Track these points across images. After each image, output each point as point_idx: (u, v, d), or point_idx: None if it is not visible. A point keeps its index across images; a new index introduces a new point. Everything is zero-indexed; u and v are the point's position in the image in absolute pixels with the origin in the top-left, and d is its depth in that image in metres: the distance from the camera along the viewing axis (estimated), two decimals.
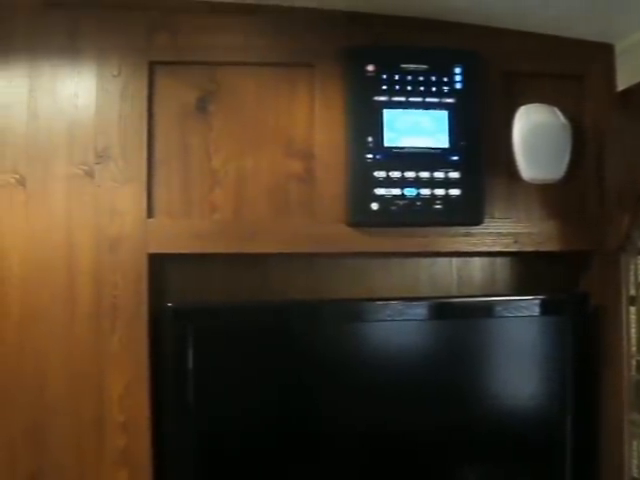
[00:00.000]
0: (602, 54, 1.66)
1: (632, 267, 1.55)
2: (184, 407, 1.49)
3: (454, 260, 1.73)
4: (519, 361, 1.64)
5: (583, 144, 1.64)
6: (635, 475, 1.52)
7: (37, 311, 1.46)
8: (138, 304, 1.48)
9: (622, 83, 1.62)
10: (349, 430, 1.57)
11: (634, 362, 1.55)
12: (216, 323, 1.51)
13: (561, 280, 1.72)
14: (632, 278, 1.56)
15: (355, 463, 1.59)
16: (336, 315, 1.57)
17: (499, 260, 1.76)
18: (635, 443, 1.53)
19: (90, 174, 1.48)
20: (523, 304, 1.62)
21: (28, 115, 1.47)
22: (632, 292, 1.54)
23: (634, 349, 1.54)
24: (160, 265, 1.55)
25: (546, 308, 1.63)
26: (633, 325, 1.55)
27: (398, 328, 1.57)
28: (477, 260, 1.75)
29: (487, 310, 1.62)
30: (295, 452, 1.56)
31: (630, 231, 1.53)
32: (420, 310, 1.59)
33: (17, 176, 1.46)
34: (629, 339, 1.55)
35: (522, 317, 1.62)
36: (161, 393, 1.49)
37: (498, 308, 1.62)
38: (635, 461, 1.53)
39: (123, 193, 1.48)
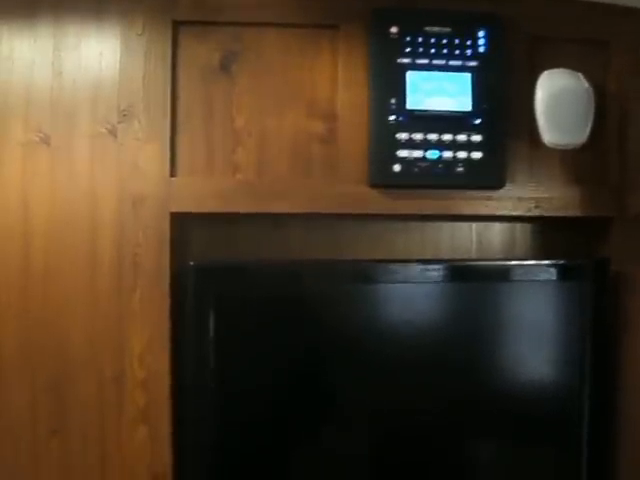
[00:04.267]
0: (629, 19, 1.81)
1: None
2: (204, 365, 1.67)
3: (474, 225, 1.91)
4: (537, 327, 1.81)
5: (606, 110, 1.80)
6: None
7: (60, 268, 1.64)
8: (160, 262, 1.65)
9: None
10: (366, 392, 1.76)
11: None
12: (237, 282, 1.68)
13: (581, 246, 1.89)
14: None
15: (370, 428, 1.78)
16: (356, 276, 1.74)
17: (519, 226, 1.93)
18: None
19: (113, 133, 1.64)
20: (542, 269, 1.80)
21: (53, 74, 1.64)
22: None
23: None
24: (182, 224, 1.71)
25: (565, 273, 1.80)
26: None
27: (417, 290, 1.75)
28: (497, 225, 1.93)
29: (506, 274, 1.79)
30: (311, 409, 1.75)
31: None
32: (439, 272, 1.76)
33: (41, 135, 1.63)
34: None
35: (541, 282, 1.79)
36: (181, 351, 1.67)
37: (517, 272, 1.80)
38: None
39: (146, 152, 1.65)
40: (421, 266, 1.75)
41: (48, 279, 1.64)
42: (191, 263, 1.65)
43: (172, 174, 1.66)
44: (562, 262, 1.81)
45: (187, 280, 1.65)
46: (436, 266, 1.76)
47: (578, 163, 1.81)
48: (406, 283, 1.74)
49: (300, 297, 1.72)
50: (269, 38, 1.70)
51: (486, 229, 1.93)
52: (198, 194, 1.67)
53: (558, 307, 1.82)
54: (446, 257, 1.89)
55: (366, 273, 1.75)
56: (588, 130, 1.77)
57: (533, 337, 1.82)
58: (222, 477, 1.72)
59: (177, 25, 1.66)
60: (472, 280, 1.78)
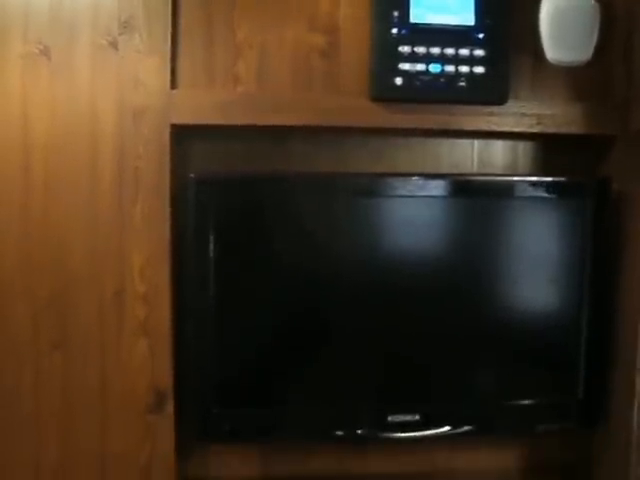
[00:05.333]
0: None
1: None
2: (204, 279, 1.73)
3: (476, 142, 1.95)
4: (537, 244, 1.86)
5: (612, 26, 1.82)
6: None
7: (61, 180, 1.69)
8: (160, 175, 1.70)
9: None
10: (365, 306, 1.82)
11: None
12: (237, 194, 1.73)
13: (583, 165, 1.93)
14: None
15: (368, 346, 1.85)
16: (356, 189, 1.79)
17: (521, 144, 1.97)
18: None
19: (114, 45, 1.67)
20: (543, 186, 1.84)
21: None
22: None
23: None
24: (183, 138, 1.76)
25: (566, 191, 1.85)
26: None
27: (418, 205, 1.80)
28: (499, 143, 1.96)
29: (506, 190, 1.84)
30: (310, 326, 1.83)
31: None
32: (439, 186, 1.81)
33: (41, 47, 1.66)
34: None
35: (542, 199, 1.83)
36: (182, 265, 1.73)
37: (518, 188, 1.84)
38: None
39: (147, 64, 1.68)
40: (422, 180, 1.80)
41: (48, 193, 1.69)
42: (192, 175, 1.70)
43: (173, 86, 1.69)
44: (563, 179, 1.86)
45: (188, 193, 1.70)
46: (437, 180, 1.82)
47: (582, 80, 1.84)
48: (406, 197, 1.79)
49: (300, 210, 1.77)
50: None
51: (487, 147, 1.97)
52: (198, 106, 1.70)
53: (558, 225, 1.87)
54: (447, 172, 1.92)
55: (367, 186, 1.80)
56: (593, 47, 1.80)
57: (532, 255, 1.87)
58: (222, 391, 1.79)
59: None
60: (472, 195, 1.82)
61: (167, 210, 1.71)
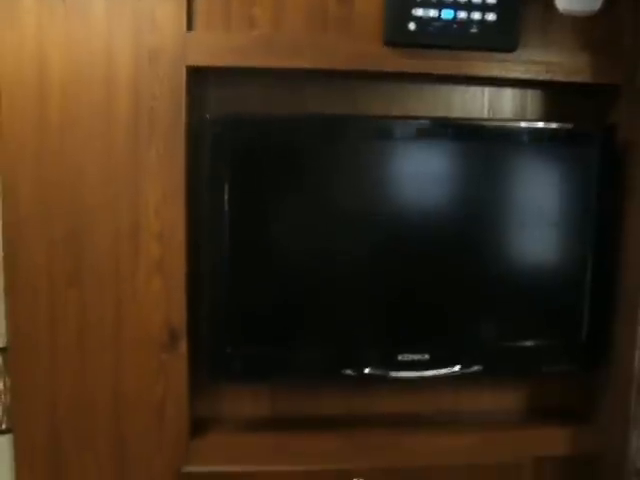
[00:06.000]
0: None
1: None
2: (219, 219, 1.79)
3: (486, 90, 2.01)
4: (544, 190, 1.94)
5: None
6: None
7: (77, 119, 1.74)
8: (176, 115, 1.75)
9: None
10: (377, 249, 1.91)
11: None
12: (253, 136, 1.79)
13: (591, 114, 2.00)
14: None
15: (381, 288, 1.93)
16: (370, 131, 1.87)
17: (530, 92, 2.03)
18: None
19: None
20: (551, 132, 1.91)
21: None
22: None
23: None
24: (199, 80, 1.81)
25: (573, 138, 1.92)
26: None
27: (429, 148, 1.88)
28: (509, 91, 2.02)
29: (515, 135, 1.91)
30: (323, 265, 1.90)
31: None
32: (450, 130, 1.89)
33: None
34: None
35: (549, 146, 1.92)
36: (197, 204, 1.79)
37: (525, 134, 1.92)
38: None
39: (163, 5, 1.73)
40: (433, 123, 1.89)
41: (64, 132, 1.74)
42: (207, 116, 1.76)
43: (189, 28, 1.74)
44: (570, 126, 1.92)
45: (203, 133, 1.76)
46: (448, 124, 1.91)
47: (591, 30, 1.90)
48: (417, 140, 1.87)
49: (314, 151, 1.84)
50: None
51: (498, 94, 2.03)
52: (214, 48, 1.75)
53: (565, 172, 1.95)
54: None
55: (380, 128, 1.87)
56: None
57: (539, 200, 1.95)
58: (234, 331, 1.87)
59: None
60: (482, 139, 1.89)
61: (182, 150, 1.76)
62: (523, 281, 1.96)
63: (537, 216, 1.94)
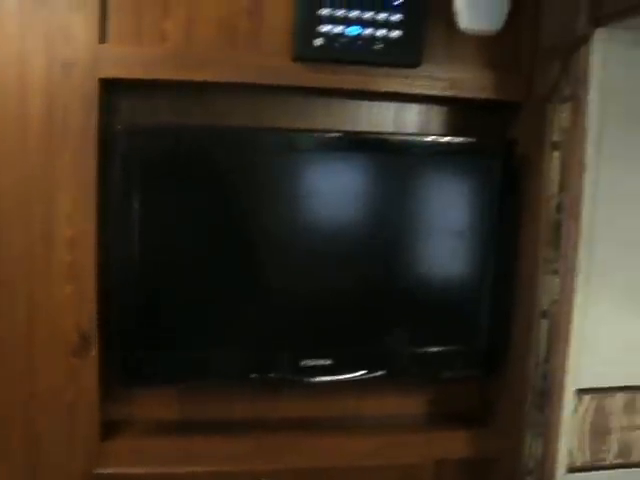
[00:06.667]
0: None
1: (557, 115, 2.01)
2: (129, 225, 1.86)
3: (392, 105, 2.11)
4: (447, 202, 2.06)
5: None
6: (545, 308, 2.06)
7: None
8: (88, 126, 1.81)
9: None
10: (282, 258, 1.99)
11: (554, 203, 2.00)
12: (162, 145, 1.87)
13: (493, 127, 2.12)
14: (557, 125, 2.00)
15: (286, 294, 2.01)
16: (276, 143, 1.95)
17: (435, 107, 2.14)
18: (547, 278, 2.04)
19: None
20: (454, 146, 2.03)
21: None
22: (556, 138, 2.02)
23: (554, 191, 2.02)
24: (111, 91, 1.87)
25: (475, 152, 2.04)
26: (555, 169, 2.02)
27: (335, 161, 1.98)
28: (414, 106, 2.13)
29: (419, 149, 2.02)
30: (230, 272, 1.98)
31: (558, 81, 1.95)
32: (356, 143, 2.00)
33: None
34: (550, 182, 2.01)
35: (452, 159, 2.03)
36: (108, 212, 1.86)
37: (429, 148, 2.02)
38: (546, 296, 2.06)
39: (76, 18, 1.78)
40: (339, 137, 2.00)
41: None
42: (118, 127, 1.83)
43: (101, 40, 1.80)
44: (472, 141, 2.05)
45: (115, 143, 1.83)
46: (355, 137, 2.01)
47: (493, 47, 2.01)
48: (323, 154, 1.98)
49: (223, 162, 1.93)
50: None
51: (403, 109, 2.13)
52: (126, 60, 1.81)
53: (467, 185, 2.07)
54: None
55: (288, 141, 1.97)
56: (504, 16, 1.95)
57: (442, 211, 2.08)
58: (144, 336, 1.95)
59: None
60: (387, 153, 2.00)
61: (93, 159, 1.83)
62: (426, 288, 2.07)
63: (440, 226, 2.06)
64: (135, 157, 1.83)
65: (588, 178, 1.83)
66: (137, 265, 1.87)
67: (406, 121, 2.14)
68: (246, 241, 1.96)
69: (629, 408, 1.96)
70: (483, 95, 2.01)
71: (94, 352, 1.88)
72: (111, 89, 1.86)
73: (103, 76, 1.80)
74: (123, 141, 1.83)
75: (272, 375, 1.97)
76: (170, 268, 1.92)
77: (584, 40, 1.79)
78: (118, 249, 1.88)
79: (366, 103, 2.10)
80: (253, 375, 1.97)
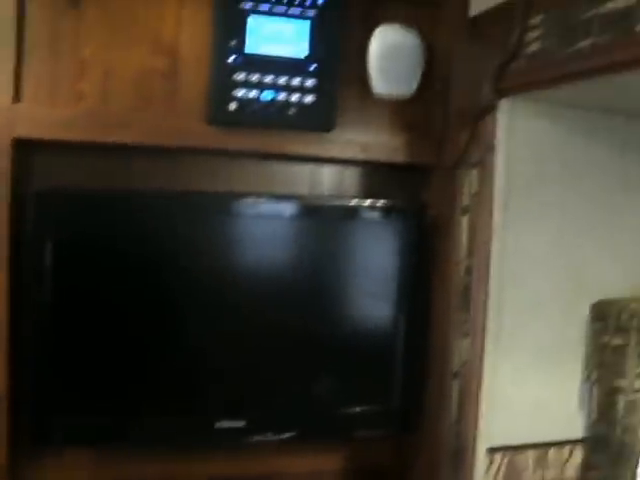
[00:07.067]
0: None
1: (467, 180, 2.11)
2: (43, 287, 1.89)
3: (307, 166, 2.17)
4: (360, 264, 2.11)
5: (434, 65, 2.07)
6: (456, 369, 2.12)
7: None
8: (0, 188, 1.81)
9: (474, 10, 2.08)
10: (201, 322, 2.02)
11: (463, 267, 2.10)
12: (77, 209, 1.88)
13: (405, 190, 2.18)
14: (466, 190, 2.11)
15: (199, 358, 2.04)
16: (191, 205, 1.99)
17: (348, 169, 2.21)
18: (459, 341, 2.12)
19: None
20: (368, 208, 2.10)
21: None
22: (465, 202, 2.11)
23: (463, 255, 2.11)
24: (26, 151, 1.88)
25: (387, 215, 2.10)
26: (464, 233, 2.12)
27: (253, 224, 2.03)
28: (328, 167, 2.19)
29: (334, 211, 2.08)
30: (149, 335, 2.00)
31: (467, 147, 2.06)
32: (272, 207, 2.05)
33: None
34: (460, 245, 2.11)
35: (364, 222, 2.09)
36: (22, 272, 1.86)
37: (344, 210, 2.09)
38: (457, 357, 2.13)
39: None
40: (256, 200, 2.06)
41: None
42: (32, 189, 1.85)
43: (16, 100, 1.82)
44: (384, 204, 2.11)
45: (29, 206, 1.84)
46: (269, 200, 2.07)
47: (405, 113, 2.10)
48: (240, 215, 2.03)
49: (138, 225, 1.96)
50: None
51: (319, 170, 2.19)
52: (41, 121, 1.83)
53: (381, 246, 2.13)
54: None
55: (203, 204, 2.02)
56: (416, 83, 2.06)
57: (355, 271, 2.13)
58: (57, 396, 1.94)
59: None
60: (301, 215, 2.06)
61: (6, 220, 1.82)
62: (340, 349, 2.11)
63: (354, 287, 2.12)
64: (49, 220, 1.85)
65: (496, 242, 1.89)
66: (50, 327, 1.90)
67: (322, 182, 2.20)
68: (159, 304, 1.99)
69: (540, 464, 2.04)
70: (395, 159, 2.09)
71: (4, 413, 1.86)
72: (26, 149, 1.88)
73: (17, 136, 1.81)
74: (37, 203, 1.85)
75: (186, 437, 2.00)
76: (84, 329, 1.94)
77: (490, 109, 1.86)
78: (31, 309, 1.90)
79: (282, 164, 2.16)
80: (167, 439, 1.99)
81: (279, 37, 1.95)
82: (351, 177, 2.23)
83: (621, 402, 1.95)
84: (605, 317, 2.02)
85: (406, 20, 2.08)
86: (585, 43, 1.61)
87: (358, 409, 2.13)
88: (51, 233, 1.85)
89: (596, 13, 1.59)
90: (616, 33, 1.53)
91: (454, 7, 2.10)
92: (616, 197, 2.09)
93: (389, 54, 2.04)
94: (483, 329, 1.91)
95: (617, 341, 1.99)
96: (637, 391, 1.94)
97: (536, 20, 1.77)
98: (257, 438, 2.05)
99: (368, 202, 2.11)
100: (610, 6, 1.54)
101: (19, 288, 1.84)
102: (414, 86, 2.06)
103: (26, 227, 1.84)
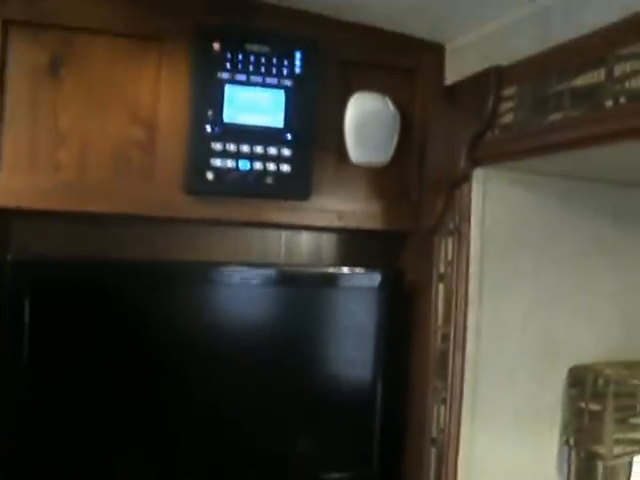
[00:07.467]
0: (433, 51, 2.15)
1: (443, 247, 2.15)
2: (19, 360, 1.87)
3: (283, 232, 2.20)
4: (338, 330, 2.13)
5: (409, 132, 2.12)
6: (434, 436, 2.15)
7: None
8: None
9: (449, 79, 2.15)
10: (179, 389, 2.03)
11: (440, 334, 2.13)
12: (55, 277, 1.89)
13: (382, 257, 2.21)
14: (442, 257, 2.15)
15: (191, 421, 2.05)
16: (168, 275, 2.01)
17: (325, 235, 2.25)
18: (436, 407, 2.15)
19: None
20: (343, 276, 2.13)
21: None
22: (442, 270, 2.16)
23: (440, 322, 2.15)
24: (4, 219, 1.90)
25: (364, 281, 2.13)
26: (440, 300, 2.16)
27: (230, 292, 2.05)
28: (305, 234, 2.22)
29: (309, 279, 2.11)
30: (130, 413, 2.00)
31: (443, 214, 2.10)
32: (249, 275, 2.07)
33: None
34: (437, 313, 2.15)
35: (342, 288, 2.13)
36: None
37: (319, 278, 2.11)
38: (435, 424, 2.16)
39: None
40: (232, 268, 2.08)
41: None
42: (8, 257, 1.86)
43: None
44: (360, 271, 2.15)
45: (5, 273, 1.85)
46: (248, 269, 2.09)
47: (381, 180, 2.14)
48: (218, 284, 2.05)
49: (117, 295, 1.97)
50: (98, 45, 1.92)
51: (294, 237, 2.23)
52: (19, 190, 1.86)
53: (357, 312, 2.16)
54: (257, 261, 2.20)
55: (181, 273, 2.04)
56: (392, 150, 2.10)
57: (333, 339, 2.16)
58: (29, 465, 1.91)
59: (7, 24, 1.86)
60: (278, 284, 2.09)
61: None
62: (318, 416, 2.15)
63: (331, 354, 2.16)
64: (26, 288, 1.86)
65: (472, 310, 1.92)
66: (25, 401, 1.92)
67: (298, 248, 2.25)
68: (135, 370, 1.99)
69: None
70: (371, 225, 2.13)
71: None
72: (4, 218, 1.90)
73: None
74: (14, 271, 1.86)
75: None
76: (60, 406, 1.94)
77: (465, 178, 1.90)
78: (5, 386, 1.88)
79: (258, 230, 2.20)
80: None
81: (256, 107, 1.99)
82: (328, 243, 2.27)
83: (600, 468, 1.96)
84: (581, 383, 2.04)
85: (382, 88, 2.13)
86: (557, 116, 1.65)
87: (336, 474, 2.15)
88: (29, 299, 1.87)
89: (567, 87, 1.64)
90: (586, 108, 1.58)
91: (429, 76, 2.17)
92: (590, 261, 2.14)
93: (365, 122, 2.08)
94: (460, 396, 1.93)
95: (594, 407, 2.00)
96: (616, 457, 1.93)
97: (509, 91, 1.83)
98: None
99: (345, 269, 2.14)
100: (580, 82, 1.59)
101: None
102: (390, 153, 2.10)
103: (3, 293, 1.84)
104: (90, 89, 1.92)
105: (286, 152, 2.00)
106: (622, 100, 1.50)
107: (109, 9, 1.91)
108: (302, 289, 2.10)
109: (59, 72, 1.90)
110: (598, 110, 1.55)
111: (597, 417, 2.00)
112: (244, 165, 1.97)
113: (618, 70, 1.51)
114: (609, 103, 1.53)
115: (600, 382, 1.94)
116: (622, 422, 1.95)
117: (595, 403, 1.98)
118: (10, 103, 1.87)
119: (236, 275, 2.06)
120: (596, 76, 1.57)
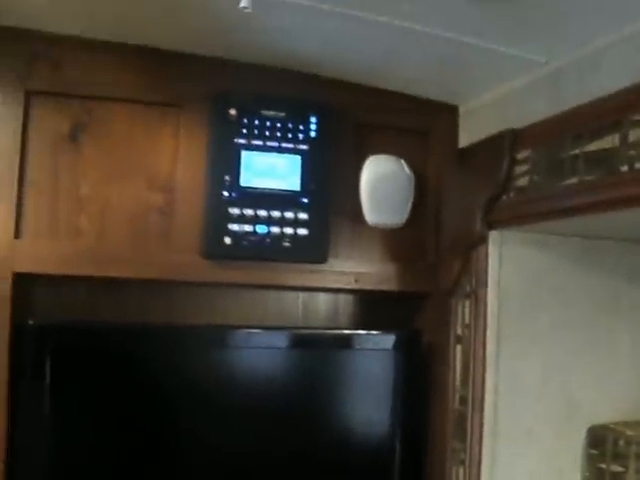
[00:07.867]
0: (447, 114, 2.19)
1: (460, 309, 2.17)
2: (40, 423, 1.88)
3: (301, 294, 2.23)
4: (356, 391, 2.14)
5: (424, 194, 2.16)
6: None
7: None
8: (0, 321, 1.86)
9: (463, 141, 2.20)
10: (198, 452, 2.02)
11: (458, 396, 2.13)
12: (75, 342, 1.91)
13: (399, 318, 2.23)
14: (460, 319, 2.17)
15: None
16: (186, 339, 2.03)
17: (342, 296, 2.27)
18: (455, 469, 2.17)
19: None
20: (361, 338, 2.15)
21: None
22: (459, 332, 2.18)
23: (458, 384, 2.16)
24: (26, 284, 1.92)
25: (381, 343, 2.15)
26: (458, 362, 2.18)
27: (248, 354, 2.07)
28: (322, 295, 2.24)
29: (327, 342, 2.12)
30: (150, 476, 2.02)
31: (460, 276, 2.13)
32: (266, 338, 2.10)
33: None
34: (455, 374, 2.16)
35: (359, 350, 2.14)
36: (18, 409, 1.87)
37: (337, 341, 2.13)
38: None
39: None
40: (251, 332, 2.10)
41: None
42: (30, 322, 1.88)
43: (17, 235, 1.88)
44: (378, 333, 2.17)
45: (26, 338, 1.87)
46: (266, 333, 2.12)
47: (397, 242, 2.17)
48: (237, 348, 2.08)
49: (136, 359, 1.99)
50: (116, 112, 1.97)
51: (311, 298, 2.26)
52: (41, 256, 1.89)
53: (375, 374, 2.17)
54: (274, 323, 2.21)
55: (199, 337, 2.06)
56: (407, 212, 2.13)
57: (351, 400, 2.17)
58: None
59: (30, 94, 1.90)
60: (295, 347, 2.11)
61: (5, 354, 1.86)
62: (337, 474, 2.17)
63: (350, 413, 2.19)
64: (47, 352, 1.88)
65: (489, 372, 1.93)
66: (47, 465, 1.92)
67: (315, 310, 2.28)
68: (153, 432, 2.02)
69: None
70: (388, 287, 2.15)
71: None
72: (26, 281, 1.92)
73: (17, 270, 1.87)
74: (35, 336, 1.88)
75: None
76: (82, 468, 1.94)
77: (481, 241, 1.93)
78: (27, 448, 1.91)
79: (275, 293, 2.23)
80: None
81: (272, 171, 2.03)
82: (345, 304, 2.31)
83: None
84: (601, 443, 2.04)
85: (396, 150, 2.17)
86: (572, 181, 1.68)
87: None
88: (49, 363, 1.89)
89: (581, 151, 1.65)
90: (601, 172, 1.60)
91: (443, 138, 2.21)
92: (606, 320, 2.15)
93: (380, 184, 2.12)
94: (479, 457, 1.93)
95: (616, 468, 1.99)
96: None
97: (524, 154, 1.85)
98: None
99: (362, 332, 2.17)
100: (594, 146, 1.61)
101: (17, 427, 1.87)
102: (406, 215, 2.14)
103: (25, 357, 1.87)
104: (110, 155, 1.97)
105: (303, 215, 2.03)
106: (637, 165, 1.52)
107: (129, 78, 1.97)
108: (318, 351, 2.12)
109: (79, 139, 1.95)
110: (613, 175, 1.57)
111: (619, 478, 1.98)
112: (261, 229, 2.00)
113: (633, 135, 1.53)
114: (624, 168, 1.54)
115: (621, 443, 1.94)
116: None
117: (616, 464, 1.96)
118: (31, 170, 1.91)
119: (253, 338, 2.08)
120: (610, 141, 1.58)
